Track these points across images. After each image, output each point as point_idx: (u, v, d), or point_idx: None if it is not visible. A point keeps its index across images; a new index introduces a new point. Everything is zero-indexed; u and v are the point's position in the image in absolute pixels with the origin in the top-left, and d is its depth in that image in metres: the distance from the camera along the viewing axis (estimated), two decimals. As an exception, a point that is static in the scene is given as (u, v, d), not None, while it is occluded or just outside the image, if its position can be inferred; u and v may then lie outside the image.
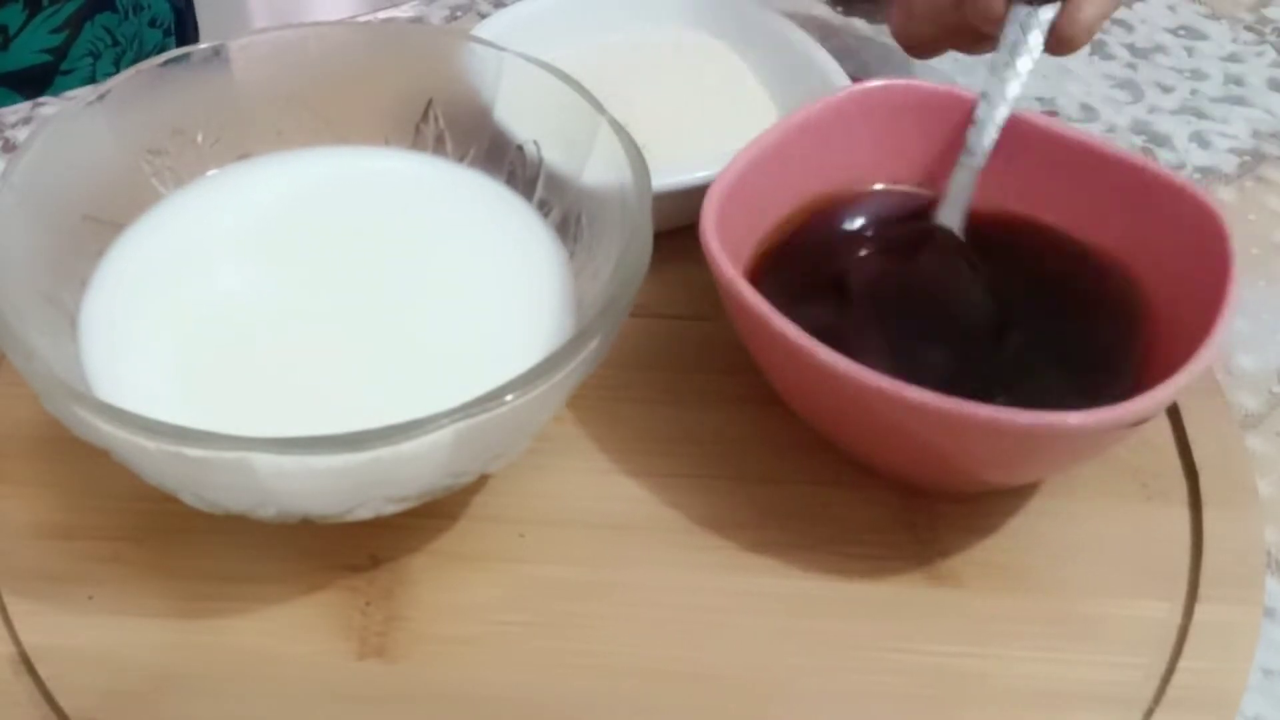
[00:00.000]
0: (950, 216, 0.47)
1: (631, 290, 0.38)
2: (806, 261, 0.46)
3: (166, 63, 0.45)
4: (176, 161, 0.46)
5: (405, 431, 0.34)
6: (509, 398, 0.35)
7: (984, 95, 0.47)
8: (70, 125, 0.42)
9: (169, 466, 0.36)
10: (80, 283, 0.43)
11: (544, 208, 0.46)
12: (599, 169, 0.44)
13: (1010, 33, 0.47)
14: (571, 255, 0.45)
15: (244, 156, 0.47)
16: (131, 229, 0.45)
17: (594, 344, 0.37)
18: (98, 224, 0.44)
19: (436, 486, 0.38)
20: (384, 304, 0.43)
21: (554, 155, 0.46)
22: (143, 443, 0.34)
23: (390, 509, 0.38)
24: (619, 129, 0.43)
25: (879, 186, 0.49)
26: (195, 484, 0.37)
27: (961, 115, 0.47)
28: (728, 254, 0.40)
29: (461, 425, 0.34)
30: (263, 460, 0.34)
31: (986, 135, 0.46)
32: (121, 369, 0.40)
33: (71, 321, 0.41)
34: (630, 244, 0.40)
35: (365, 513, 0.38)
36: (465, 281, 0.44)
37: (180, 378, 0.40)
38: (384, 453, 0.34)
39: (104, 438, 0.36)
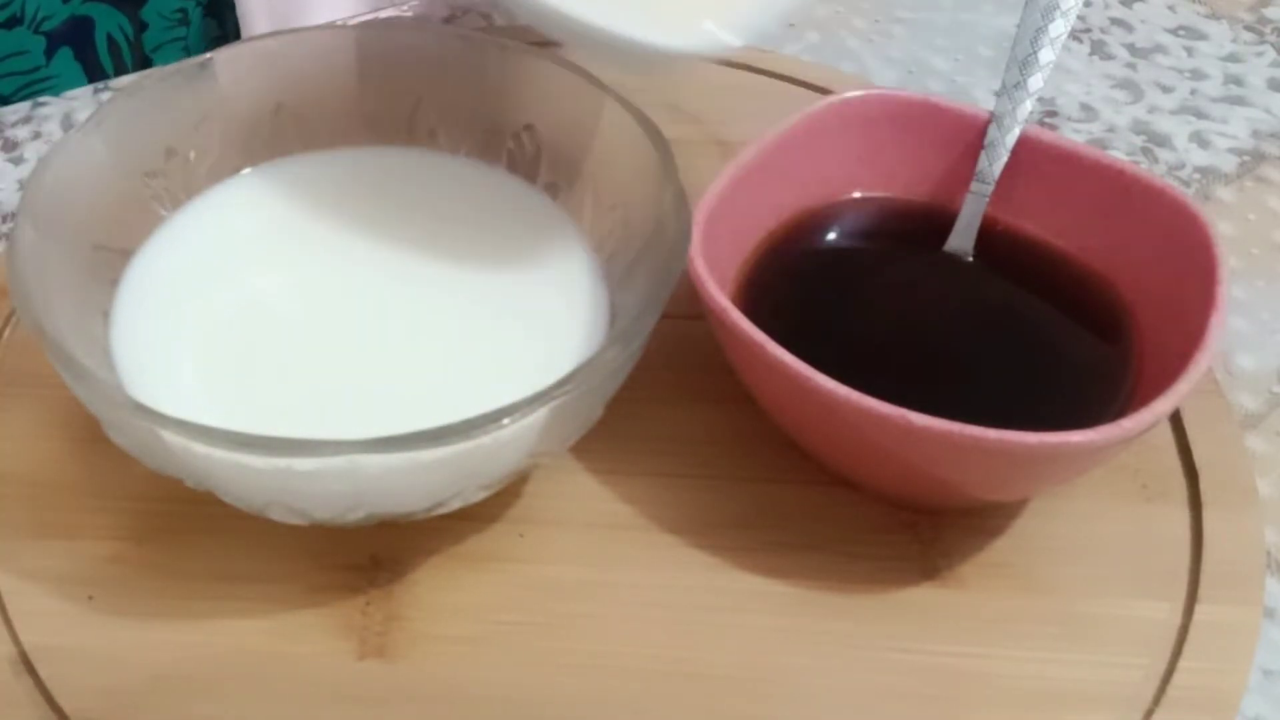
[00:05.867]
0: (961, 241, 0.47)
1: (683, 246, 0.40)
2: (793, 280, 0.46)
3: (154, 81, 0.45)
4: (172, 182, 0.46)
5: (505, 415, 0.35)
6: (595, 374, 0.36)
7: (995, 118, 0.46)
8: (71, 155, 0.42)
9: (272, 482, 0.36)
10: (102, 313, 0.42)
11: (551, 191, 0.47)
12: (608, 146, 0.44)
13: (1020, 50, 0.47)
14: (595, 239, 0.45)
15: (237, 170, 0.47)
16: (142, 254, 0.44)
17: (654, 314, 0.38)
18: (108, 253, 0.44)
19: (517, 470, 0.39)
20: (412, 306, 0.44)
21: (555, 138, 0.46)
22: (250, 461, 0.34)
23: (480, 496, 0.39)
24: (627, 105, 0.43)
25: (857, 195, 0.49)
26: (292, 496, 0.37)
27: (939, 124, 0.47)
28: (714, 277, 0.40)
29: (555, 404, 0.35)
30: (370, 461, 0.34)
31: (999, 160, 0.46)
32: (159, 394, 0.40)
33: (105, 352, 0.41)
34: (665, 204, 0.41)
35: (457, 503, 0.38)
36: (487, 276, 0.45)
37: (222, 398, 0.40)
38: (486, 439, 0.35)
39: (197, 462, 0.36)
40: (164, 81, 0.45)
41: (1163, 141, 0.60)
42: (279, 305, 0.43)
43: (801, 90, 0.59)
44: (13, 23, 0.64)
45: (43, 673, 0.39)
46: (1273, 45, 0.66)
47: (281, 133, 0.48)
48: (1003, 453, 0.37)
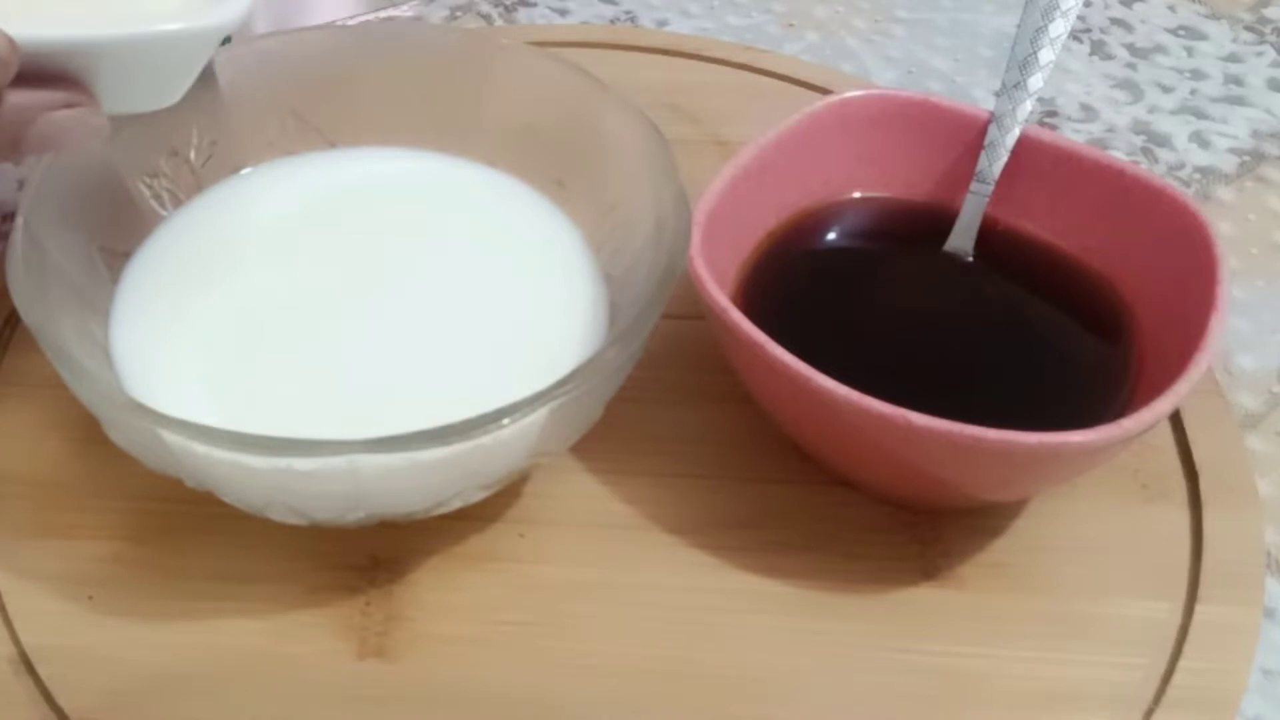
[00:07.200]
0: (961, 241, 0.47)
1: (683, 246, 0.40)
2: (793, 280, 0.46)
3: None
4: (174, 183, 0.46)
5: (505, 415, 0.35)
6: (594, 374, 0.36)
7: (995, 118, 0.46)
8: (71, 155, 0.42)
9: (272, 482, 0.36)
10: (102, 313, 0.42)
11: (551, 191, 0.47)
12: (608, 146, 0.44)
13: (1020, 51, 0.47)
14: (595, 239, 0.45)
15: (237, 170, 0.47)
16: (142, 254, 0.45)
17: (654, 314, 0.38)
18: (108, 253, 0.44)
19: (517, 470, 0.39)
20: (412, 306, 0.44)
21: (555, 138, 0.46)
22: (250, 461, 0.35)
23: (480, 496, 0.39)
24: (627, 105, 0.43)
25: (857, 195, 0.49)
26: (292, 496, 0.37)
27: (938, 123, 0.47)
28: (714, 277, 0.40)
29: (555, 404, 0.35)
30: (370, 461, 0.34)
31: (999, 160, 0.46)
32: (159, 394, 0.40)
33: (105, 352, 0.41)
34: (665, 204, 0.41)
35: (457, 503, 0.39)
36: (487, 276, 0.45)
37: (221, 398, 0.40)
38: (486, 439, 0.35)
39: (196, 462, 0.36)
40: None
41: (1163, 141, 0.60)
42: (279, 305, 0.43)
43: (801, 90, 0.59)
44: None
45: (43, 673, 0.39)
46: (1273, 45, 0.66)
47: (281, 133, 0.48)
48: (1003, 453, 0.37)
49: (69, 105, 0.35)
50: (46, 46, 0.33)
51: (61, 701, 0.38)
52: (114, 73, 0.35)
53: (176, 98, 0.38)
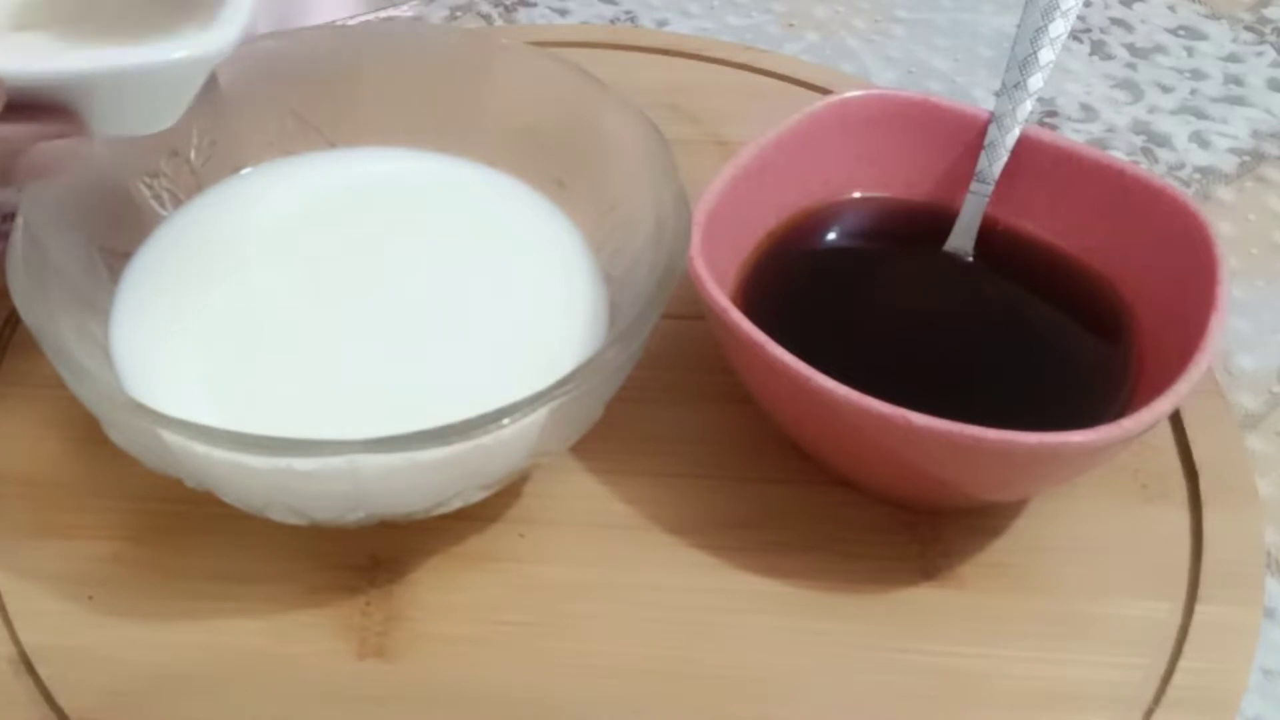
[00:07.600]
0: (961, 241, 0.47)
1: (683, 246, 0.40)
2: (793, 280, 0.46)
3: None
4: (174, 183, 0.46)
5: (505, 415, 0.35)
6: (594, 374, 0.36)
7: (995, 118, 0.46)
8: None
9: (272, 482, 0.36)
10: (102, 313, 0.42)
11: (551, 191, 0.47)
12: (608, 146, 0.44)
13: (1020, 51, 0.47)
14: (595, 239, 0.45)
15: (237, 170, 0.47)
16: (142, 254, 0.45)
17: (654, 314, 0.38)
18: (108, 253, 0.44)
19: (517, 470, 0.39)
20: (411, 306, 0.44)
21: (555, 138, 0.46)
22: (250, 461, 0.35)
23: (480, 496, 0.39)
24: (627, 105, 0.44)
25: (857, 195, 0.49)
26: (292, 496, 0.37)
27: (938, 123, 0.47)
28: (714, 277, 0.40)
29: (555, 404, 0.35)
30: (370, 461, 0.34)
31: (999, 160, 0.46)
32: (159, 394, 0.40)
33: (105, 352, 0.41)
34: (665, 204, 0.41)
35: (457, 503, 0.39)
36: (487, 276, 0.45)
37: (221, 398, 0.40)
38: (486, 439, 0.35)
39: (196, 462, 0.36)
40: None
41: (1163, 141, 0.60)
42: (279, 305, 0.43)
43: (801, 90, 0.59)
44: None
45: (43, 673, 0.39)
46: (1273, 45, 0.66)
47: (281, 133, 0.48)
48: (1003, 453, 0.37)
49: (60, 135, 0.34)
50: (37, 80, 0.33)
51: (61, 701, 0.38)
52: (108, 101, 0.35)
53: (173, 120, 0.37)
